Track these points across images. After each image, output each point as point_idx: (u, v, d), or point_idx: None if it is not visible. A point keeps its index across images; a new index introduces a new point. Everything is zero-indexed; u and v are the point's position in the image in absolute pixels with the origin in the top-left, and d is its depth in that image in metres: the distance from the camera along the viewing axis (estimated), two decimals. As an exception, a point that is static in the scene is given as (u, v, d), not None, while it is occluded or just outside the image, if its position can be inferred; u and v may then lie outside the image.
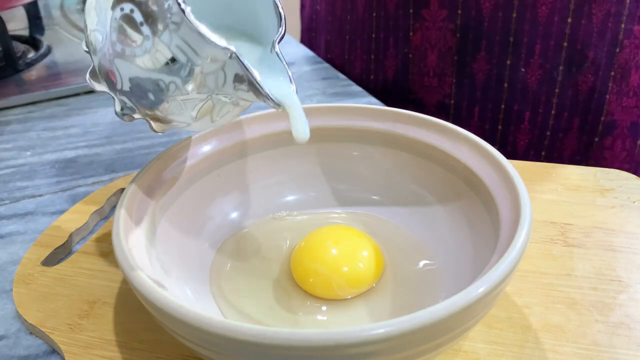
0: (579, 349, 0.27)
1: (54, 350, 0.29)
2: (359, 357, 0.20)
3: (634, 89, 0.52)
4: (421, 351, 0.21)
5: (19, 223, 0.40)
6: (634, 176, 0.39)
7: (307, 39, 0.77)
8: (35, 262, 0.34)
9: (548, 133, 0.57)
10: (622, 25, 0.50)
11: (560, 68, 0.53)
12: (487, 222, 0.28)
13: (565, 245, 0.34)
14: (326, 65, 0.68)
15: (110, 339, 0.29)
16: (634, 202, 0.37)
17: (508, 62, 0.55)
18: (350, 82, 0.63)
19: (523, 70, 0.55)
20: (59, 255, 0.36)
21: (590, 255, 0.33)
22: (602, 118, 0.54)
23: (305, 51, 0.73)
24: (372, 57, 0.64)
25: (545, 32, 0.52)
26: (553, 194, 0.38)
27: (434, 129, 0.33)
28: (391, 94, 0.63)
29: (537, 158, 0.58)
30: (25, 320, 0.30)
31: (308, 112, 0.35)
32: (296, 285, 0.30)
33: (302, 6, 0.78)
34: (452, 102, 0.59)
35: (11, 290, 0.33)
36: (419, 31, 0.58)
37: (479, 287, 0.21)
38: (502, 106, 0.57)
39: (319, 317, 0.29)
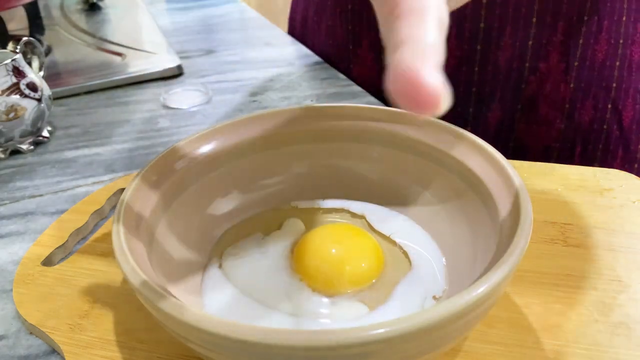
0: (579, 349, 0.27)
1: (54, 350, 0.29)
2: (359, 357, 0.20)
3: (543, 117, 0.55)
4: (421, 351, 0.21)
5: (19, 223, 0.40)
6: (634, 176, 0.39)
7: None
8: (35, 262, 0.34)
9: None
10: (527, 64, 0.53)
11: (470, 110, 0.57)
12: (487, 222, 0.28)
13: (565, 245, 0.34)
14: (326, 65, 0.68)
15: (110, 339, 0.29)
16: (634, 202, 0.37)
17: None
18: (350, 82, 0.63)
19: None
20: (59, 255, 0.36)
21: (590, 255, 0.33)
22: (511, 144, 0.57)
23: (304, 51, 0.73)
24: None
25: (454, 82, 0.54)
26: (553, 194, 0.38)
27: (434, 129, 0.33)
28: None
29: None
30: (26, 320, 0.30)
31: (308, 112, 0.35)
32: (297, 279, 0.30)
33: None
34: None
35: (11, 290, 0.33)
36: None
37: (479, 287, 0.21)
38: None
39: (321, 311, 0.28)
